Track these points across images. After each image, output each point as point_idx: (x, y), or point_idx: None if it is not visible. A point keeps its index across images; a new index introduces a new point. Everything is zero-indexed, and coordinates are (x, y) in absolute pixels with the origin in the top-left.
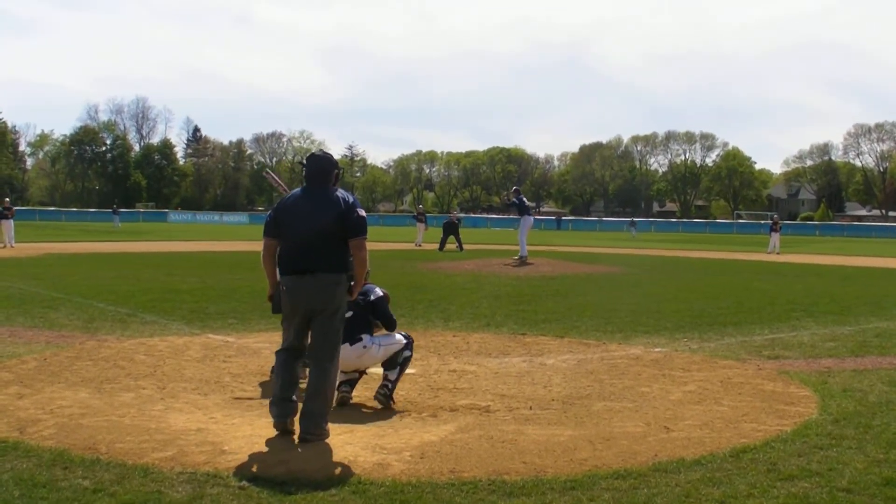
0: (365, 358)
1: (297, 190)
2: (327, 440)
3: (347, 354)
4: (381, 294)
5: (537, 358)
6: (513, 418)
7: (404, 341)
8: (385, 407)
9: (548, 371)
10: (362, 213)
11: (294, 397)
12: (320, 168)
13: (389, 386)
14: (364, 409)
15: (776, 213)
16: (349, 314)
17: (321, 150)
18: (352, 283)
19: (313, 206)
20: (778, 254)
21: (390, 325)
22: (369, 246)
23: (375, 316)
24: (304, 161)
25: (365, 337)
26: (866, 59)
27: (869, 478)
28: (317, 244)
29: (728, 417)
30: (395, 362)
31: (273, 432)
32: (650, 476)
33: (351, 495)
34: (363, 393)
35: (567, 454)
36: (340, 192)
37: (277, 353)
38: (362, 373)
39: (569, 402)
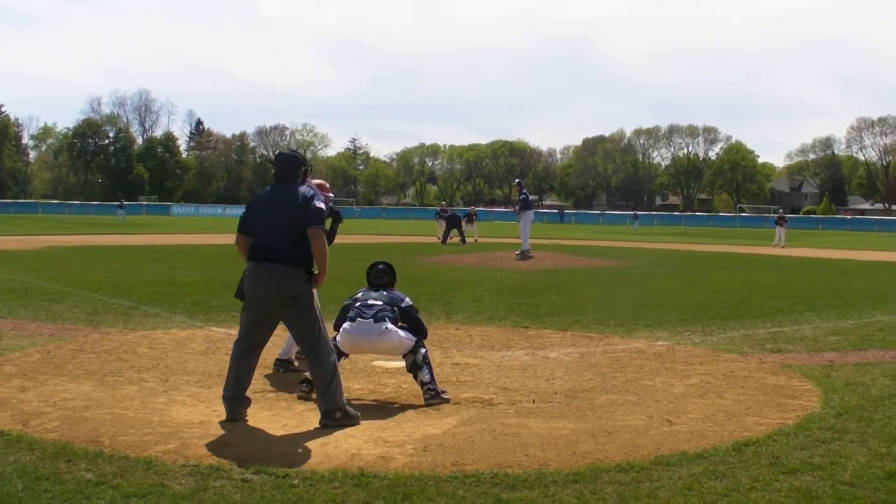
0: (383, 338)
1: (266, 187)
2: (328, 431)
3: (369, 329)
4: (412, 303)
5: (540, 351)
6: (515, 411)
7: (415, 338)
8: (441, 403)
9: (550, 364)
10: (320, 205)
11: (245, 393)
12: (286, 165)
13: (431, 386)
14: (366, 403)
15: (781, 208)
16: (378, 302)
17: (289, 148)
18: (313, 273)
19: (278, 200)
20: (783, 247)
21: (421, 333)
22: (376, 239)
23: (405, 321)
24: (273, 160)
25: (388, 321)
26: (869, 54)
27: (871, 471)
28: (277, 236)
29: (730, 411)
30: (418, 364)
31: (275, 425)
32: (653, 469)
33: (354, 488)
34: (366, 386)
35: (570, 447)
36: (302, 188)
37: (235, 343)
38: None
39: (571, 395)
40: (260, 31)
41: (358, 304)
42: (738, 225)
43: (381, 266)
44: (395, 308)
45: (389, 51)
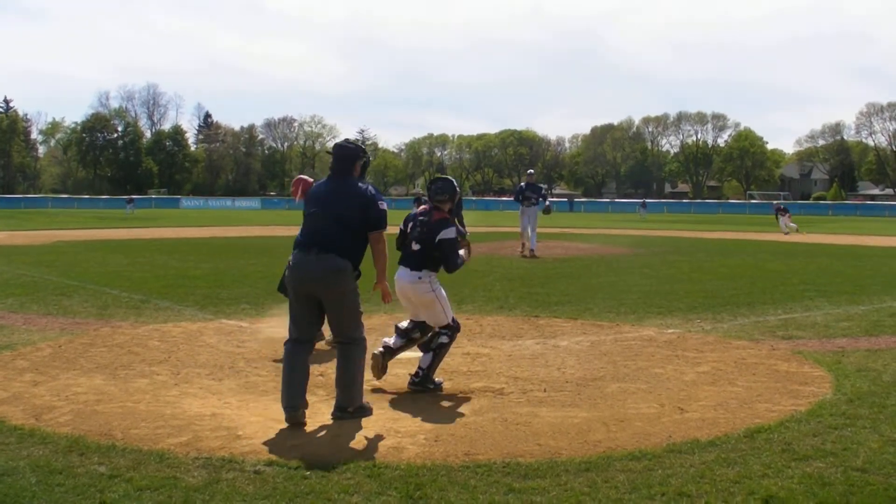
0: (415, 288)
1: (323, 178)
2: (340, 422)
3: (403, 276)
4: (453, 235)
5: (551, 340)
6: (527, 401)
7: (450, 317)
8: (422, 391)
9: (561, 353)
10: (384, 206)
11: (303, 393)
12: (344, 156)
13: (420, 373)
14: (378, 393)
15: (783, 197)
16: (417, 247)
17: (347, 139)
18: (358, 274)
19: (336, 193)
20: (798, 231)
21: (450, 266)
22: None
23: (439, 252)
24: (331, 150)
25: (425, 272)
26: (878, 40)
27: (884, 457)
28: (331, 228)
29: (742, 398)
30: (429, 346)
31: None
32: (664, 457)
33: (366, 479)
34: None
35: (581, 436)
36: (364, 184)
37: (285, 343)
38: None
39: (583, 383)
40: (267, 24)
41: (408, 237)
42: (747, 212)
43: (440, 183)
44: (428, 252)
45: (397, 41)
